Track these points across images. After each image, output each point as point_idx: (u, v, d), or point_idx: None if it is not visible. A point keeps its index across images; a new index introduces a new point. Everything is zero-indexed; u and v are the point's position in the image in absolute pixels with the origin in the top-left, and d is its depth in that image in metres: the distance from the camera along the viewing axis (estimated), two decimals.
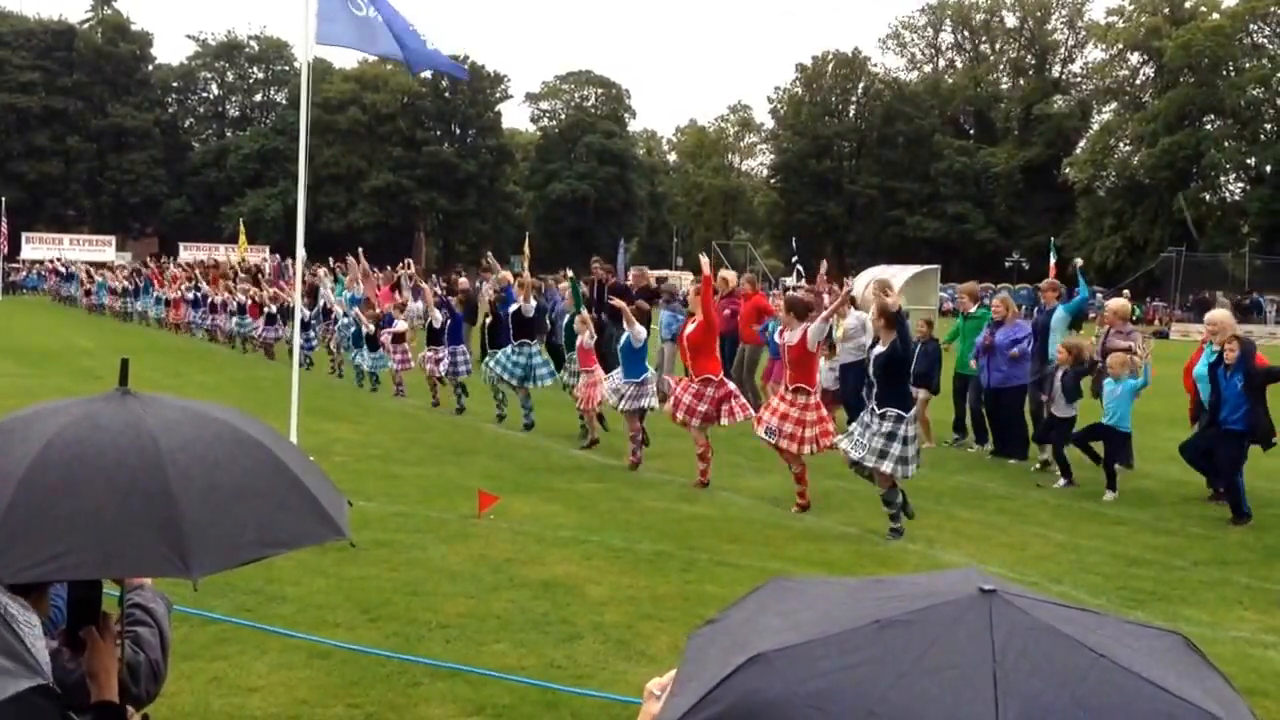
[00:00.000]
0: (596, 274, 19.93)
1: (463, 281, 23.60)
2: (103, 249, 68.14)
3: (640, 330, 12.95)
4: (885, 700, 1.26)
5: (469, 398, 17.06)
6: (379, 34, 11.95)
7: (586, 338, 13.97)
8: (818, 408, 10.72)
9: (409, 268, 22.39)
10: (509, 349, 15.46)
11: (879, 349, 9.90)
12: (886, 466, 9.52)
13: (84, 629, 2.55)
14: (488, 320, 16.71)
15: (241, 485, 2.51)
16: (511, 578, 8.01)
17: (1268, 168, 66.90)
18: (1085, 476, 12.72)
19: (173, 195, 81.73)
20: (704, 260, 12.20)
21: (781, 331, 11.12)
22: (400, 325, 19.19)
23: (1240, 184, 70.80)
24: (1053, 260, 16.18)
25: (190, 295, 31.68)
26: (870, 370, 9.95)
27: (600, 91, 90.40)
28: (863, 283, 21.49)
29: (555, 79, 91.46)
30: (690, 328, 12.07)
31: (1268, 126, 69.04)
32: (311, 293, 23.41)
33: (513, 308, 15.72)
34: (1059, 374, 12.63)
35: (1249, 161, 68.49)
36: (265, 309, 25.49)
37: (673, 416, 11.92)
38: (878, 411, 9.67)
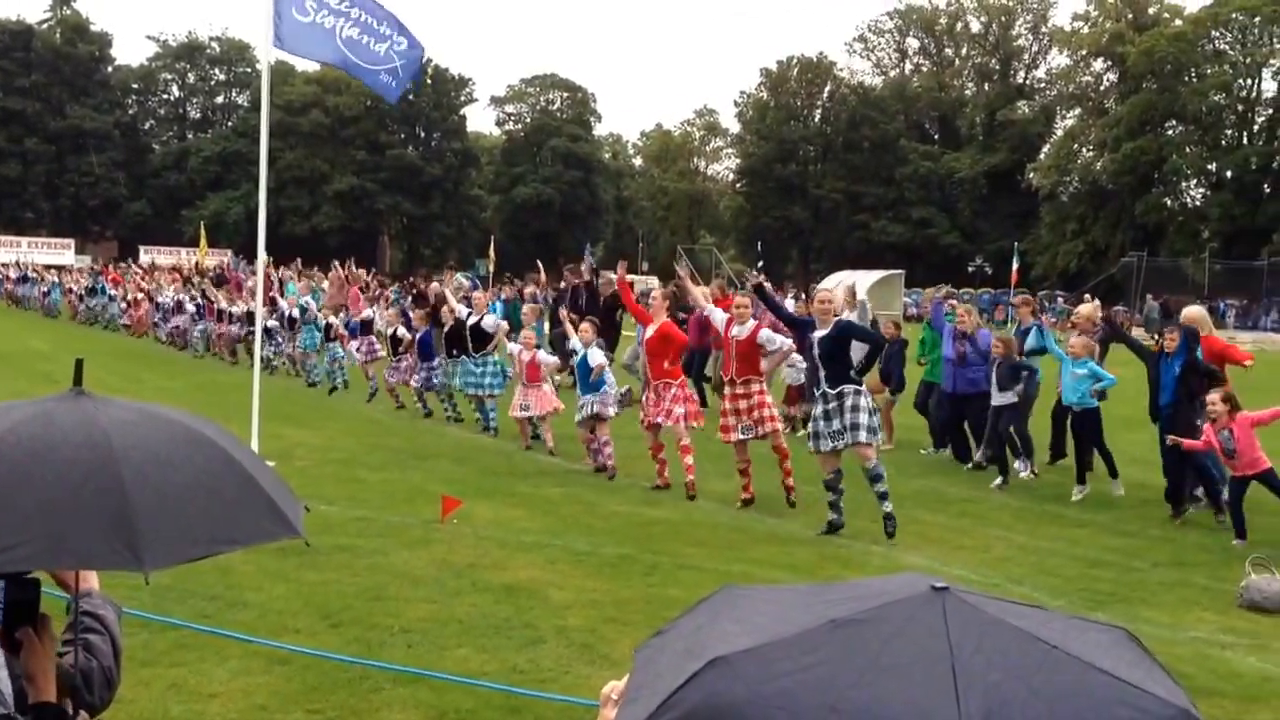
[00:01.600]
0: (570, 280, 19.76)
1: (434, 287, 23.42)
2: (61, 252, 67.25)
3: (597, 354, 12.78)
4: (846, 698, 1.26)
5: (431, 405, 16.98)
6: (328, 42, 11.70)
7: (544, 357, 14.17)
8: (765, 393, 11.10)
9: (370, 275, 22.36)
10: (467, 360, 15.49)
11: (820, 333, 9.94)
12: (863, 436, 9.67)
13: (20, 630, 2.51)
14: (446, 330, 16.58)
15: (195, 484, 2.50)
16: (474, 582, 7.97)
17: (1228, 173, 67.62)
18: (1048, 479, 12.83)
19: (133, 198, 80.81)
20: (680, 270, 12.31)
21: (730, 323, 11.15)
22: (368, 313, 19.36)
23: (1201, 189, 71.64)
24: (1015, 265, 16.31)
25: (157, 298, 31.34)
26: (816, 354, 10.00)
27: (565, 95, 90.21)
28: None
29: (520, 82, 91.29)
30: (649, 332, 12.16)
31: (1229, 132, 69.88)
32: (280, 292, 23.28)
33: (472, 320, 15.70)
34: (995, 365, 12.92)
35: (1210, 167, 69.27)
36: (223, 311, 25.22)
37: (643, 425, 11.94)
38: (832, 392, 9.77)
